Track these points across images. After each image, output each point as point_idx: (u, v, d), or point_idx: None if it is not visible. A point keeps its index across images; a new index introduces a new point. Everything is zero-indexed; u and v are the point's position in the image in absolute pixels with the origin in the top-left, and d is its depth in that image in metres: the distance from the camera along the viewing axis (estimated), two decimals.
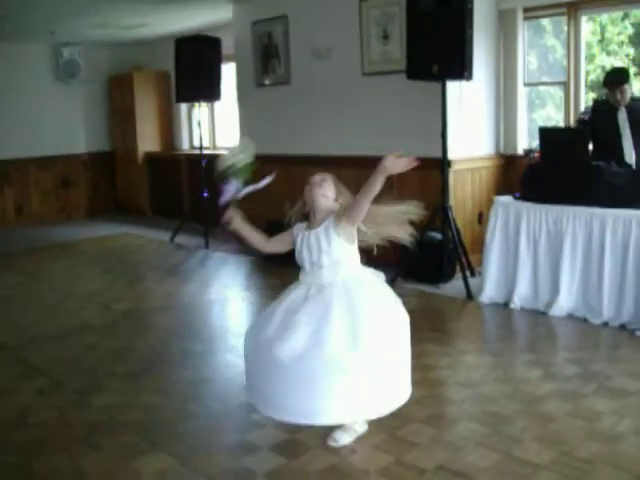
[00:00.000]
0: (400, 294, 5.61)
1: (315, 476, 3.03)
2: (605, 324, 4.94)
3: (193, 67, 8.31)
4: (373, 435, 3.37)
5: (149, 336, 5.20)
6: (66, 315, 5.79)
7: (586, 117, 5.69)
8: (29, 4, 7.69)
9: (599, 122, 5.52)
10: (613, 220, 4.94)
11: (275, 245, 3.48)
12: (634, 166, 5.39)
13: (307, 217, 3.37)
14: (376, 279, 3.38)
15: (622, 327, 4.87)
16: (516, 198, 5.53)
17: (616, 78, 5.46)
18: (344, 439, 3.27)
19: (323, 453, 3.22)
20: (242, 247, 8.09)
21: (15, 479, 3.17)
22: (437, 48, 5.71)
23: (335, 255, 3.21)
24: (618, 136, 5.48)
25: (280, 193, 8.04)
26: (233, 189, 3.37)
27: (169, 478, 3.10)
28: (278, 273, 6.89)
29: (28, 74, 10.77)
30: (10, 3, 7.52)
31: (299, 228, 3.37)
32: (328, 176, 3.38)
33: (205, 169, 8.46)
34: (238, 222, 3.36)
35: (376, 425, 3.48)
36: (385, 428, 3.44)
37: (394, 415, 3.54)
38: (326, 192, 3.31)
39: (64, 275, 7.30)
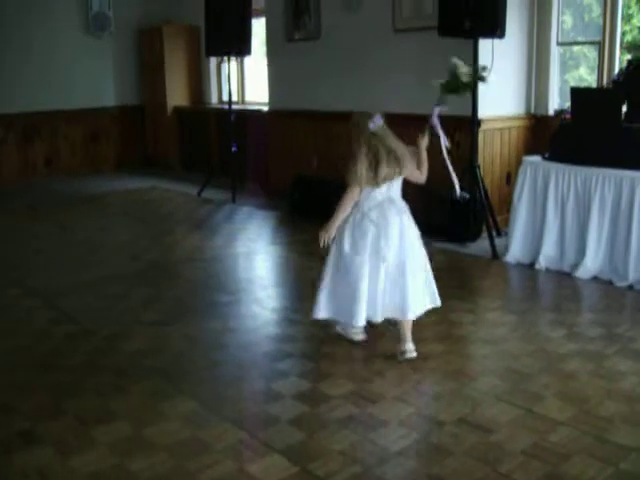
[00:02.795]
0: (427, 252, 5.68)
1: (336, 424, 3.09)
2: (630, 287, 4.92)
3: (223, 21, 8.27)
4: (395, 386, 3.43)
5: (177, 287, 5.29)
6: (96, 265, 5.88)
7: (620, 78, 5.61)
8: None
9: (636, 83, 5.44)
10: None
11: None
12: None
13: None
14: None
15: None
16: (545, 159, 5.49)
17: None
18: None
19: (344, 403, 3.29)
20: (269, 201, 8.21)
21: (47, 418, 3.26)
22: (470, 4, 5.65)
23: None
24: None
25: (307, 149, 8.09)
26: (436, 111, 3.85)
27: (194, 421, 3.17)
28: (304, 228, 6.94)
29: (58, 27, 10.75)
30: None
31: None
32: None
33: (234, 124, 8.48)
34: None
35: (398, 377, 3.54)
36: (407, 380, 3.50)
37: (416, 369, 3.62)
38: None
39: (93, 227, 7.38)
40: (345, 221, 3.74)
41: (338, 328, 4.05)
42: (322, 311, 3.82)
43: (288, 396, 3.38)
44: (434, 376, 3.57)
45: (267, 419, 3.18)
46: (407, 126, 6.83)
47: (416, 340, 3.91)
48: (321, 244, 3.69)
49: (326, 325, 4.27)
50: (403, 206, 3.83)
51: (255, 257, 6.18)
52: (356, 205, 3.74)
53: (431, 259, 3.93)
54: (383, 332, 4.08)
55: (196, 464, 2.83)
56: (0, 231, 7.38)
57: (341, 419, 3.13)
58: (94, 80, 11.15)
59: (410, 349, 3.75)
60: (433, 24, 6.19)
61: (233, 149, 8.38)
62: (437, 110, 3.88)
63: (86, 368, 3.82)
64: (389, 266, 3.69)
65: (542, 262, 5.40)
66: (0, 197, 9.33)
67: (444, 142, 3.97)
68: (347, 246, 3.72)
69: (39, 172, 10.73)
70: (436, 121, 3.87)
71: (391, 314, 3.77)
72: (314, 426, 3.08)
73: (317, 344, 4.01)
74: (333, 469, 2.76)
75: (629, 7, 6.62)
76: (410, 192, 6.86)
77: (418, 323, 4.24)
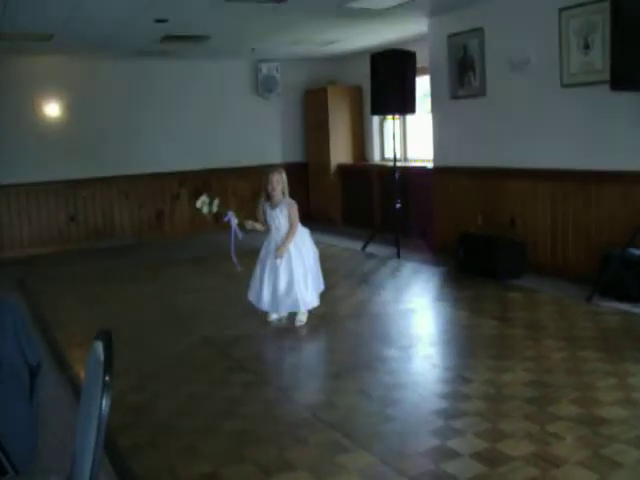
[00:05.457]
0: (598, 311, 5.51)
1: None
2: None
3: (388, 81, 8.48)
4: (577, 451, 3.33)
5: (346, 341, 5.39)
6: (263, 316, 6.06)
7: None
8: (232, 25, 8.22)
9: None
10: None
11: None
12: None
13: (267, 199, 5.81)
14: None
15: None
16: None
17: None
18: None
19: (524, 465, 3.22)
20: (433, 257, 8.24)
21: (230, 463, 3.41)
22: None
23: (284, 225, 5.72)
24: None
25: (473, 206, 8.08)
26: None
27: (373, 475, 3.22)
28: (470, 284, 6.91)
29: (230, 89, 11.46)
30: (215, 24, 8.06)
31: (265, 206, 5.83)
32: (282, 175, 5.82)
33: (397, 180, 8.61)
34: (251, 224, 5.80)
35: (578, 440, 3.44)
36: (588, 445, 3.39)
37: (596, 433, 3.51)
38: (279, 188, 5.75)
39: None
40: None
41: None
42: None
43: (466, 455, 3.35)
44: (617, 442, 3.43)
45: (445, 477, 3.17)
46: (574, 181, 6.76)
47: (594, 403, 3.83)
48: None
49: (499, 384, 4.23)
50: None
51: (423, 313, 6.22)
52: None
53: None
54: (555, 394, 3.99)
55: None
56: (172, 281, 7.84)
57: None
58: (261, 138, 11.74)
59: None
60: (602, 78, 6.10)
61: (397, 205, 8.50)
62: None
63: (264, 417, 3.97)
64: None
65: None
66: (172, 249, 9.92)
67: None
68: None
69: (209, 226, 11.29)
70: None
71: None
72: None
73: (492, 403, 3.96)
74: None
75: None
76: (578, 251, 6.76)
77: (595, 386, 4.13)
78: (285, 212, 5.72)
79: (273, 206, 5.76)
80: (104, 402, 1.83)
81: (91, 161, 10.51)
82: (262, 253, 5.89)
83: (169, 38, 8.73)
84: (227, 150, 11.37)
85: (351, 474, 3.24)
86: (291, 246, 5.70)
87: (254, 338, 5.52)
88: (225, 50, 10.26)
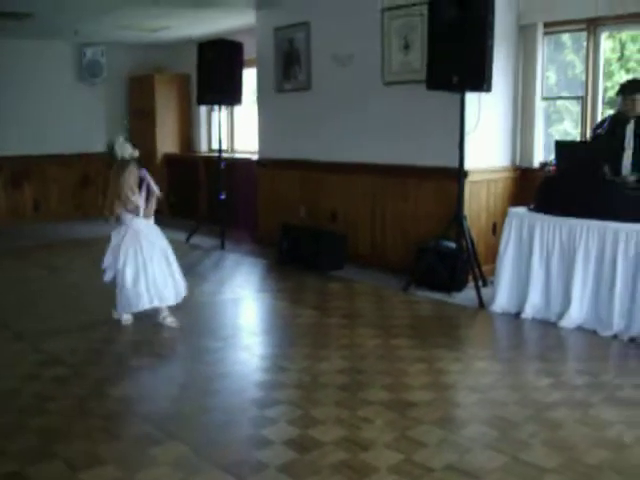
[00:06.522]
0: (413, 300, 5.76)
1: (327, 470, 3.10)
2: (615, 337, 4.99)
3: (215, 71, 8.41)
4: (385, 434, 3.45)
5: (167, 332, 5.30)
6: (84, 309, 5.89)
7: (602, 131, 5.75)
8: (55, 3, 7.85)
9: (612, 133, 5.60)
10: (626, 234, 4.99)
11: None
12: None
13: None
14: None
15: (632, 340, 4.91)
16: (530, 210, 5.60)
17: (630, 86, 5.57)
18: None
19: (334, 449, 3.30)
20: (257, 249, 8.28)
21: (36, 461, 3.25)
22: (457, 59, 5.78)
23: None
24: (623, 148, 5.55)
25: (296, 198, 8.19)
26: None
27: (185, 467, 3.17)
28: (292, 276, 7.00)
29: (51, 72, 10.94)
30: (37, 1, 7.66)
31: None
32: None
33: (223, 172, 8.58)
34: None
35: (386, 424, 3.57)
36: (396, 428, 3.52)
37: (405, 416, 3.65)
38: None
39: (82, 271, 7.39)
40: None
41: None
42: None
43: (278, 442, 3.39)
44: (422, 423, 3.59)
45: (257, 465, 3.18)
46: (393, 176, 7.01)
47: (404, 388, 3.98)
48: None
49: (314, 372, 4.31)
50: None
51: (244, 304, 6.23)
52: None
53: None
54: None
55: None
56: None
57: (332, 465, 3.14)
58: (85, 125, 11.27)
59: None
60: (420, 78, 6.36)
61: (221, 197, 8.48)
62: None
63: (75, 412, 3.82)
64: None
65: (528, 311, 5.47)
66: None
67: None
68: None
69: (28, 216, 10.77)
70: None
71: None
72: (304, 472, 3.09)
73: (306, 391, 4.03)
74: None
75: (610, 64, 6.82)
76: (396, 243, 7.03)
77: (405, 372, 4.31)
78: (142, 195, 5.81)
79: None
80: None
81: None
82: (144, 250, 5.52)
83: None
84: (48, 136, 10.83)
85: (161, 466, 3.18)
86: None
87: (70, 332, 5.29)
88: (48, 31, 9.76)
